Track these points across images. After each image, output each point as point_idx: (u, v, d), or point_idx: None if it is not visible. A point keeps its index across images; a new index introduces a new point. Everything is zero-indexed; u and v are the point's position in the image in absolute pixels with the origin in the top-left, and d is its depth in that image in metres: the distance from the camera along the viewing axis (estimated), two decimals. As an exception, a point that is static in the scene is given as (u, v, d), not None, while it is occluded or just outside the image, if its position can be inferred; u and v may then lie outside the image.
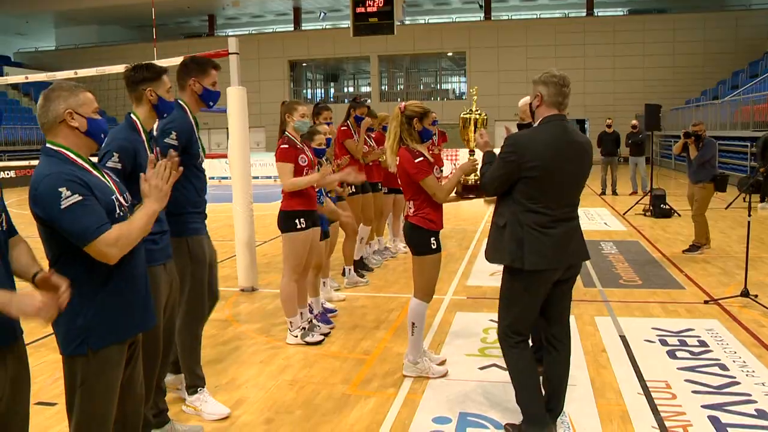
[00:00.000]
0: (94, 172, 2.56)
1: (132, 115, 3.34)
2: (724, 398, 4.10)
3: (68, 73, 7.39)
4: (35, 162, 9.73)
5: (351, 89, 40.18)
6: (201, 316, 4.01)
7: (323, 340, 5.27)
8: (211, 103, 3.94)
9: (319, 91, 39.27)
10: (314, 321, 5.49)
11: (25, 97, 33.01)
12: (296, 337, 5.23)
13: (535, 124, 3.47)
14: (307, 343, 5.19)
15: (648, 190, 13.47)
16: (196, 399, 3.94)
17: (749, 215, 6.31)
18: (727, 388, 4.27)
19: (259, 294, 6.94)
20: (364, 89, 38.54)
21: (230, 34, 37.81)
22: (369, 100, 32.98)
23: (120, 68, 7.35)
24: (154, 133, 3.48)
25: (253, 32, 37.87)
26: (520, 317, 3.51)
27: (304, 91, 38.29)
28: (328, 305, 6.14)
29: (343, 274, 7.36)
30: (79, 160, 2.52)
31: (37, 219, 2.44)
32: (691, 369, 4.61)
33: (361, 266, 7.60)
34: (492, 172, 3.50)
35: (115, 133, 3.20)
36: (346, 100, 35.03)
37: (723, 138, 17.95)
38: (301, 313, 5.33)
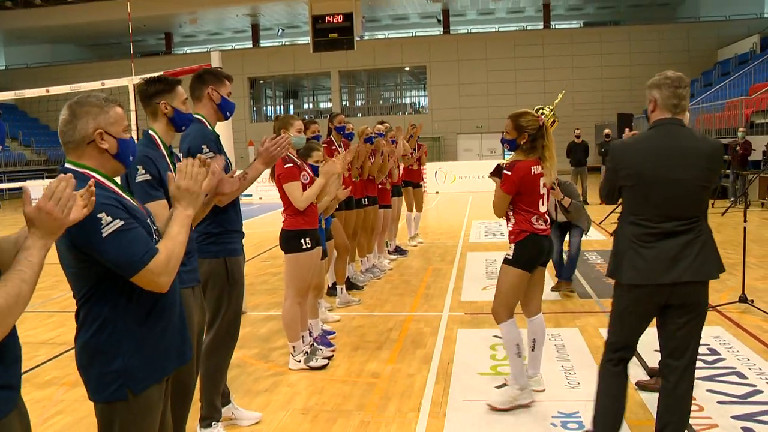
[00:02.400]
0: (125, 196, 2.29)
1: (150, 131, 3.17)
2: (752, 408, 4.03)
3: (39, 91, 7.04)
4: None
5: (311, 105, 39.99)
6: (232, 342, 3.82)
7: (327, 364, 5.04)
8: (228, 114, 3.79)
9: (279, 108, 38.93)
10: (315, 344, 5.26)
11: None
12: (299, 362, 4.99)
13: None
14: (312, 368, 4.96)
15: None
16: (209, 435, 3.68)
17: (745, 221, 6.31)
18: (751, 398, 4.20)
19: (248, 317, 6.66)
20: (325, 105, 38.38)
21: (188, 51, 37.29)
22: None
23: (94, 85, 7.06)
24: (174, 149, 3.26)
25: (211, 49, 37.39)
26: (619, 333, 3.34)
27: (264, 108, 37.95)
28: (326, 327, 5.91)
29: (329, 294, 7.13)
30: (109, 183, 2.25)
31: (71, 250, 2.15)
32: (710, 378, 4.53)
33: (348, 286, 7.38)
34: (602, 179, 3.46)
35: None
36: (306, 117, 34.83)
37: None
38: (303, 337, 5.10)
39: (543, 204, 4.16)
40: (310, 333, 5.36)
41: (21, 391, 2.01)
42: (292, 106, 39.28)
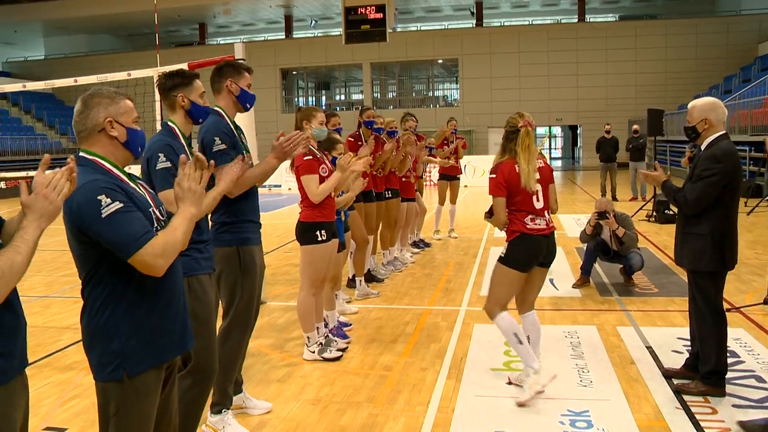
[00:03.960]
0: (131, 184, 2.39)
1: (169, 122, 3.29)
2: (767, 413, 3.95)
3: (67, 81, 7.18)
4: (26, 174, 9.54)
5: (343, 97, 40.06)
6: (246, 330, 3.88)
7: (342, 356, 5.08)
8: (248, 105, 3.87)
9: (311, 99, 39.10)
10: (330, 336, 5.29)
11: (14, 107, 32.64)
12: (313, 352, 5.03)
13: None
14: (325, 359, 5.00)
15: (650, 196, 13.35)
16: (219, 421, 3.73)
17: None
18: (767, 402, 4.11)
19: (267, 307, 6.73)
20: (356, 97, 38.43)
21: (221, 42, 37.62)
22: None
23: (120, 76, 7.17)
24: (192, 140, 3.36)
25: (244, 40, 37.63)
26: None
27: (296, 99, 38.11)
28: (343, 319, 5.95)
29: (348, 285, 7.18)
30: (115, 170, 2.36)
31: (73, 232, 2.26)
32: (728, 381, 4.43)
33: (369, 278, 7.41)
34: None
35: (153, 139, 3.18)
36: (337, 108, 34.97)
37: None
38: (318, 328, 5.14)
39: (538, 200, 4.18)
40: (326, 324, 5.40)
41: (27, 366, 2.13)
42: (324, 98, 39.42)
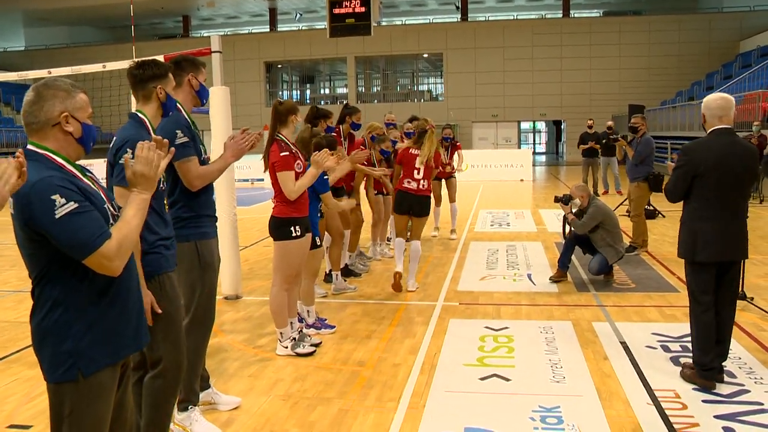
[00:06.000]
0: (84, 179, 2.28)
1: (139, 114, 3.21)
2: (737, 408, 3.96)
3: (41, 72, 7.05)
4: None
5: (327, 91, 39.94)
6: (209, 325, 3.85)
7: (315, 351, 5.04)
8: (205, 101, 3.86)
9: (295, 92, 38.91)
10: (304, 330, 5.26)
11: (-8, 98, 32.22)
12: (286, 348, 4.99)
13: None
14: (298, 355, 4.96)
15: (624, 190, 13.42)
16: (186, 418, 3.69)
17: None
18: (737, 397, 4.13)
19: (243, 302, 6.68)
20: (341, 91, 38.31)
21: (205, 34, 37.33)
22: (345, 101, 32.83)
23: (95, 67, 7.08)
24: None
25: (229, 33, 37.41)
26: None
27: (280, 92, 37.93)
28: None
29: (325, 280, 7.14)
30: (68, 166, 2.25)
31: (24, 231, 2.16)
32: (698, 377, 4.46)
33: (346, 273, 7.36)
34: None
35: (125, 131, 3.11)
36: (322, 102, 34.85)
37: (701, 139, 17.98)
38: (291, 323, 5.09)
39: (418, 173, 6.70)
40: (300, 319, 5.36)
41: None
42: (308, 91, 39.27)
